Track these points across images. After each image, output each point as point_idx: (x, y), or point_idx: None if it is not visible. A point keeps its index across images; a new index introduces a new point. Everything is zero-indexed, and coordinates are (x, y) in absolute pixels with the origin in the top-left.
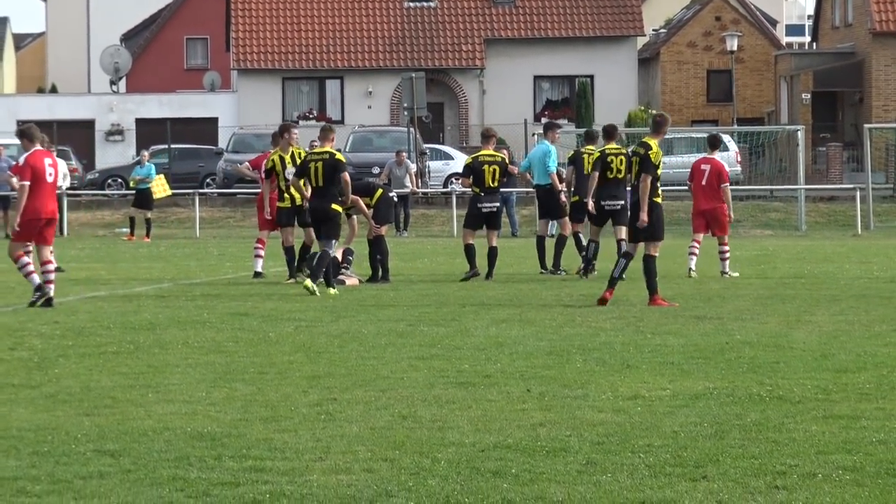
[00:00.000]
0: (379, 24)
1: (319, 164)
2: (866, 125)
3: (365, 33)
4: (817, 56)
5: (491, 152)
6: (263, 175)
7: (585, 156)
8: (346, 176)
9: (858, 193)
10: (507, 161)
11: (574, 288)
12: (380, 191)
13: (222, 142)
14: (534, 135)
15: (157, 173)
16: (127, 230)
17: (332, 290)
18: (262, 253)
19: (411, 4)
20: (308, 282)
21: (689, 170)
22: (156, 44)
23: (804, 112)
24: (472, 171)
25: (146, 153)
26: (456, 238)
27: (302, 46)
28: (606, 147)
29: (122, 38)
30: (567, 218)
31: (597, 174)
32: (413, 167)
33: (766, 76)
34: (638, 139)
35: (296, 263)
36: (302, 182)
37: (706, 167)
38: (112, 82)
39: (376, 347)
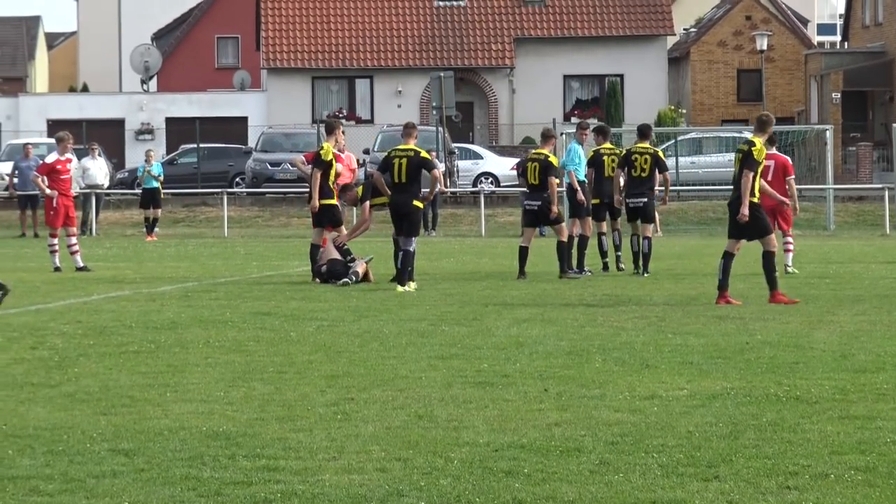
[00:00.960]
0: (408, 24)
1: (404, 161)
2: (895, 124)
3: (394, 32)
4: (848, 55)
5: (538, 150)
6: (312, 165)
7: (606, 157)
8: (438, 172)
9: (887, 193)
10: (550, 159)
11: (597, 287)
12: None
13: (251, 141)
14: (562, 134)
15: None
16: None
17: (400, 288)
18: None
19: (441, 3)
20: (400, 288)
21: (718, 169)
22: (186, 43)
23: (834, 111)
24: (522, 169)
25: (152, 152)
26: (484, 238)
27: (331, 46)
28: (633, 146)
29: (152, 37)
30: (589, 218)
31: (622, 172)
32: (441, 166)
33: (796, 75)
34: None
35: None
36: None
37: (770, 163)
38: (143, 81)
39: (396, 347)
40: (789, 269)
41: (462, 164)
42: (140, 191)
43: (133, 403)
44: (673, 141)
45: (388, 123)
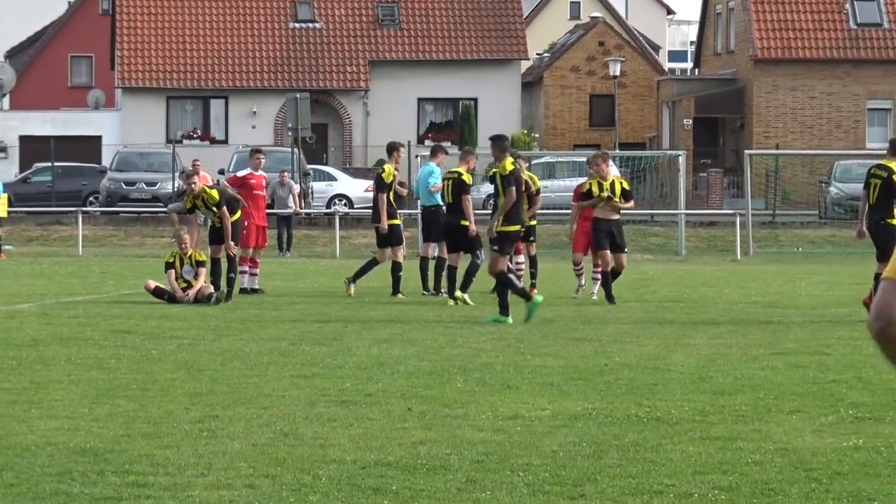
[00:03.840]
0: (264, 45)
1: (450, 183)
2: (747, 151)
3: (250, 53)
4: (699, 82)
5: (454, 169)
6: (376, 187)
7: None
8: (468, 198)
9: (738, 219)
10: (464, 177)
11: (455, 309)
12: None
13: (106, 160)
14: (416, 157)
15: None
16: (12, 247)
17: (459, 294)
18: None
19: (297, 25)
20: (459, 293)
21: (573, 192)
22: (40, 61)
23: (685, 138)
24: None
25: None
26: (339, 259)
27: (187, 65)
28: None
29: (6, 54)
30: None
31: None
32: (296, 187)
33: (648, 101)
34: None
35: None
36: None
37: None
38: None
39: (258, 366)
40: None
41: (316, 186)
42: None
43: None
44: (527, 164)
45: (242, 144)
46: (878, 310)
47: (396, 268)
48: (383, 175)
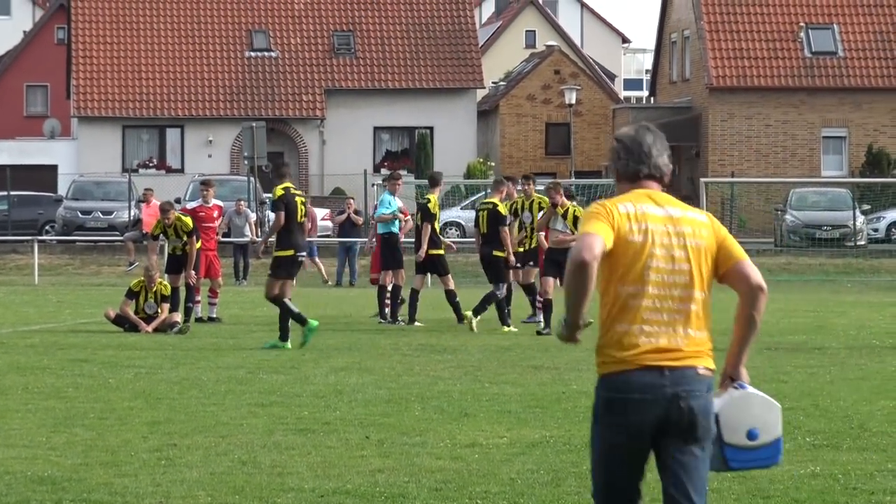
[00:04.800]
0: (220, 74)
1: (485, 214)
2: (702, 179)
3: (206, 82)
4: (654, 110)
5: (487, 199)
6: (422, 217)
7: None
8: (504, 229)
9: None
10: (499, 208)
11: (412, 337)
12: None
13: (62, 189)
14: (373, 185)
15: None
16: None
17: (470, 316)
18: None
19: (252, 54)
20: (469, 315)
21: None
22: None
23: None
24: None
25: None
26: (296, 287)
27: (142, 94)
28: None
29: None
30: (401, 269)
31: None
32: (253, 216)
33: (604, 129)
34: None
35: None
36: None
37: None
38: None
39: (216, 394)
40: None
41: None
42: None
43: None
44: (483, 193)
45: (199, 173)
46: (591, 246)
47: (451, 295)
48: (429, 206)
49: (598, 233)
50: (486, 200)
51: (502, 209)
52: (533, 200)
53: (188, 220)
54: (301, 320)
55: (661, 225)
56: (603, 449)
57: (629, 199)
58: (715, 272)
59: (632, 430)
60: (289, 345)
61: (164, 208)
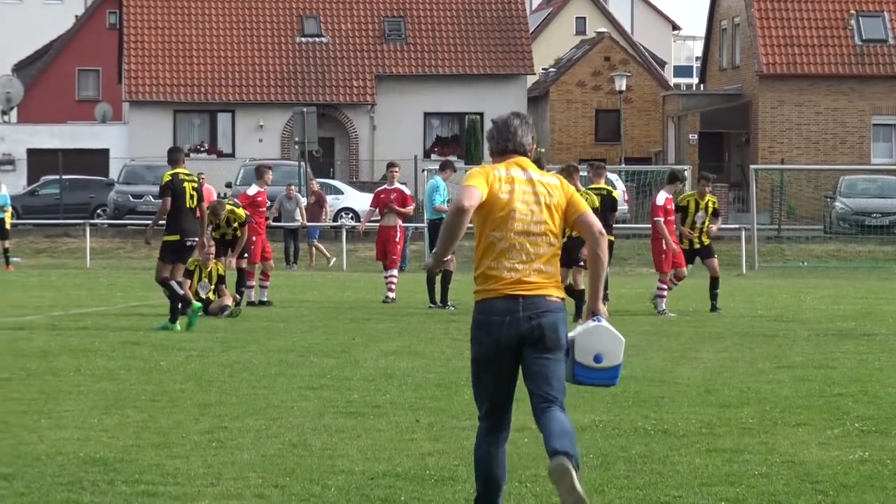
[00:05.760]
0: (271, 59)
1: (597, 199)
2: (752, 166)
3: (257, 67)
4: (704, 97)
5: (595, 185)
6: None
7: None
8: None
9: (744, 233)
10: (613, 194)
11: (462, 322)
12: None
13: (113, 173)
14: (423, 171)
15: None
16: (20, 259)
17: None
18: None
19: (303, 40)
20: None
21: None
22: (47, 75)
23: (691, 152)
24: None
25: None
26: (346, 272)
27: (194, 79)
28: (588, 187)
29: (13, 68)
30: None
31: None
32: (303, 201)
33: (653, 116)
34: None
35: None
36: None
37: None
38: (3, 112)
39: (267, 377)
40: None
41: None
42: None
43: (8, 429)
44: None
45: (249, 157)
46: (471, 196)
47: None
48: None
49: (478, 186)
50: (597, 186)
51: (615, 193)
52: (708, 201)
53: (241, 212)
54: (186, 302)
55: (524, 185)
56: (475, 358)
57: (503, 166)
58: (566, 221)
59: (493, 342)
60: (178, 326)
61: (216, 211)
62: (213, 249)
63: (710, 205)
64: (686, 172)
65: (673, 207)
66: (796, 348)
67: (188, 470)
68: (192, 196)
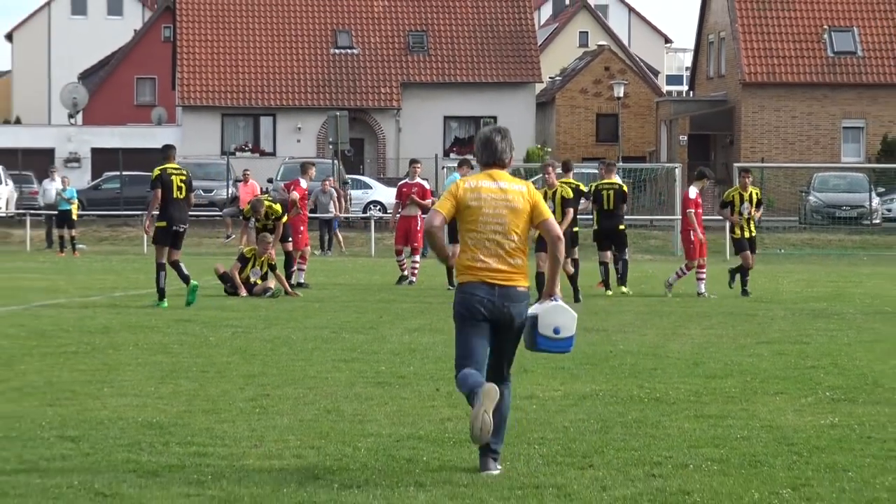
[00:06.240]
0: (308, 68)
1: (611, 193)
2: (735, 164)
3: (295, 76)
4: (693, 103)
5: (608, 181)
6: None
7: (604, 192)
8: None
9: (727, 224)
10: (623, 188)
11: None
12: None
13: None
14: (443, 168)
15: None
16: (85, 246)
17: (624, 289)
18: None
19: (336, 51)
20: (626, 288)
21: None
22: (109, 82)
23: (681, 152)
24: (595, 196)
25: (67, 178)
26: (374, 258)
27: (239, 86)
28: (600, 182)
29: (79, 76)
30: None
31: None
32: (334, 193)
33: (648, 120)
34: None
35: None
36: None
37: None
38: (70, 115)
39: (304, 351)
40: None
41: (354, 193)
42: (56, 212)
43: (75, 397)
44: (538, 177)
45: (289, 156)
46: (433, 220)
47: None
48: (581, 187)
49: (440, 210)
50: (613, 181)
51: (625, 188)
52: (751, 192)
53: (278, 207)
54: (161, 292)
55: (492, 193)
56: (458, 326)
57: (475, 178)
58: (531, 224)
59: (472, 313)
60: (165, 303)
61: (256, 207)
62: (271, 239)
63: (754, 195)
64: (677, 170)
65: (702, 201)
66: (774, 326)
67: (234, 433)
68: (179, 188)
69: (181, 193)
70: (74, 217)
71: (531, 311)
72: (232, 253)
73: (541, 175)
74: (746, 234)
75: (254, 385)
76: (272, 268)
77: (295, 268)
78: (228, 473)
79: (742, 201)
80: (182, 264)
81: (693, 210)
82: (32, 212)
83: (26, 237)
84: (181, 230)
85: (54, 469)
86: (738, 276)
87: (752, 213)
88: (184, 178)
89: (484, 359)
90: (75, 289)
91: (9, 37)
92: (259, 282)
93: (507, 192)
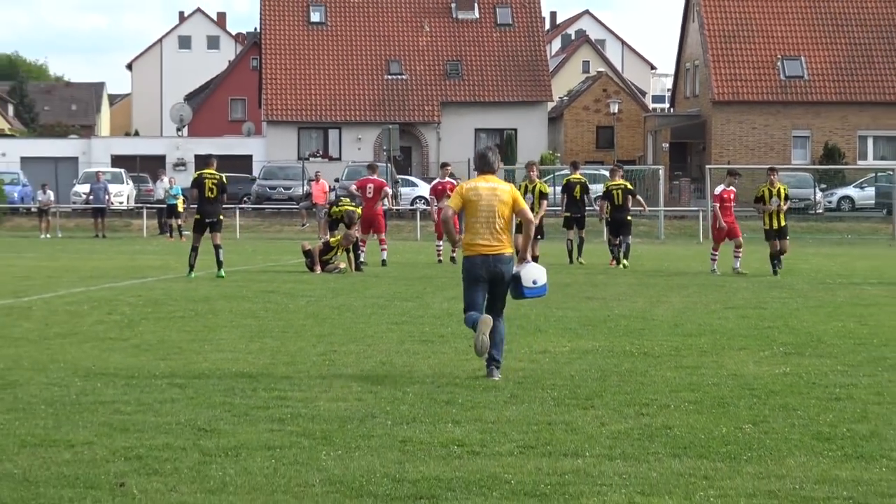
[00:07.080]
0: (366, 90)
1: (619, 191)
2: (707, 166)
3: (356, 96)
4: (674, 117)
5: (615, 182)
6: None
7: (615, 190)
8: (638, 198)
9: (701, 213)
10: (629, 187)
11: None
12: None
13: (255, 172)
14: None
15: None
16: (189, 233)
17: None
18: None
19: (389, 77)
20: (625, 261)
21: (712, 196)
22: (209, 102)
23: (663, 156)
24: (606, 195)
25: (174, 178)
26: (419, 242)
27: (312, 105)
28: (608, 183)
29: (185, 97)
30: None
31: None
32: (389, 191)
33: (637, 131)
34: (548, 174)
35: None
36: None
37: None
38: (178, 129)
39: (364, 315)
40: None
41: (403, 190)
42: (164, 206)
43: (181, 353)
44: (552, 175)
45: (351, 160)
46: (447, 210)
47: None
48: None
49: (451, 205)
50: (619, 182)
51: (629, 186)
52: (779, 188)
53: (345, 207)
54: (192, 267)
55: (486, 191)
56: (465, 285)
57: (474, 181)
58: (513, 211)
59: (475, 274)
60: (193, 275)
61: (353, 218)
62: (353, 239)
63: (782, 190)
64: (660, 171)
65: (727, 196)
66: (738, 295)
67: (309, 381)
68: (210, 189)
69: (212, 193)
70: (180, 209)
71: (514, 271)
72: (306, 237)
73: (525, 174)
74: (775, 226)
75: (324, 343)
76: (348, 251)
77: (362, 250)
78: (304, 413)
79: (771, 196)
80: (221, 251)
81: (717, 204)
82: (148, 206)
83: (143, 226)
84: (212, 221)
85: (165, 410)
86: (775, 262)
87: (781, 206)
88: (216, 181)
89: (482, 306)
90: (182, 266)
91: (129, 66)
92: (333, 261)
93: (496, 190)
